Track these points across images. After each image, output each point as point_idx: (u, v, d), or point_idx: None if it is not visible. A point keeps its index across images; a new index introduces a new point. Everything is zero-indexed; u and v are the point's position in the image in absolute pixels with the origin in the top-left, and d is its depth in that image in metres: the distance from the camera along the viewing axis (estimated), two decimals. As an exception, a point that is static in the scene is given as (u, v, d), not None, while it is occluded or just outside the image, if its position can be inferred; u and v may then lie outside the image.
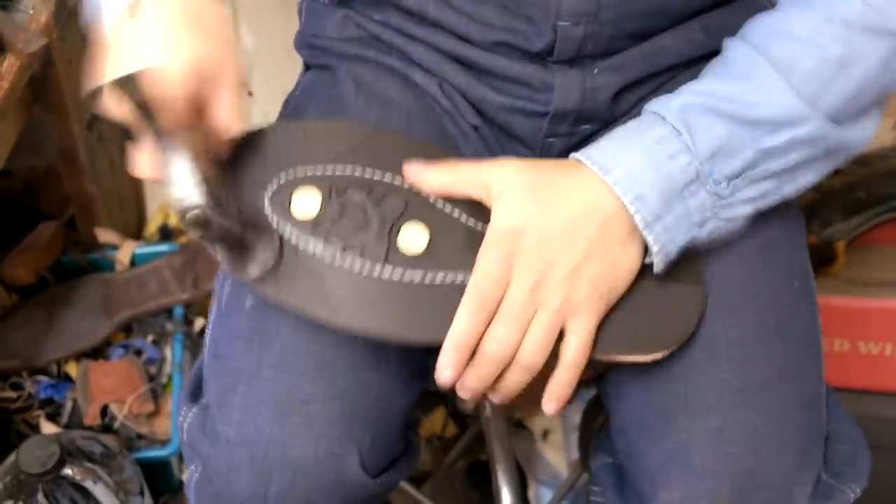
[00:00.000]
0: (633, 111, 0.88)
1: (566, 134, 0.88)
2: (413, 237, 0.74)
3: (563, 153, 0.90)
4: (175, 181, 0.68)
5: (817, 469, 0.78)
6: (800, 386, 0.79)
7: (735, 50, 0.77)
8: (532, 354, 0.71)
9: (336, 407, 0.76)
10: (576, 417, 1.37)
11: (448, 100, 0.88)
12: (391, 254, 0.73)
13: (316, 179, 0.76)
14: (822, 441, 0.79)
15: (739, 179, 0.74)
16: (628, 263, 0.74)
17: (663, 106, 0.75)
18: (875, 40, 0.73)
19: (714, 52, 0.87)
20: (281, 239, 0.74)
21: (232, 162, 0.76)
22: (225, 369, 0.80)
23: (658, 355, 0.76)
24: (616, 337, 0.75)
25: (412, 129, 0.86)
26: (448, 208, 0.76)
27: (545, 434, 1.44)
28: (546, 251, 0.71)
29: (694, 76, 0.88)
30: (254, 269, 0.73)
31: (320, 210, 0.74)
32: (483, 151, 0.89)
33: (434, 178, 0.75)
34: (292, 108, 0.94)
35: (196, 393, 0.85)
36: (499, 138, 0.90)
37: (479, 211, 0.75)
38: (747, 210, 0.76)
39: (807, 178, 0.77)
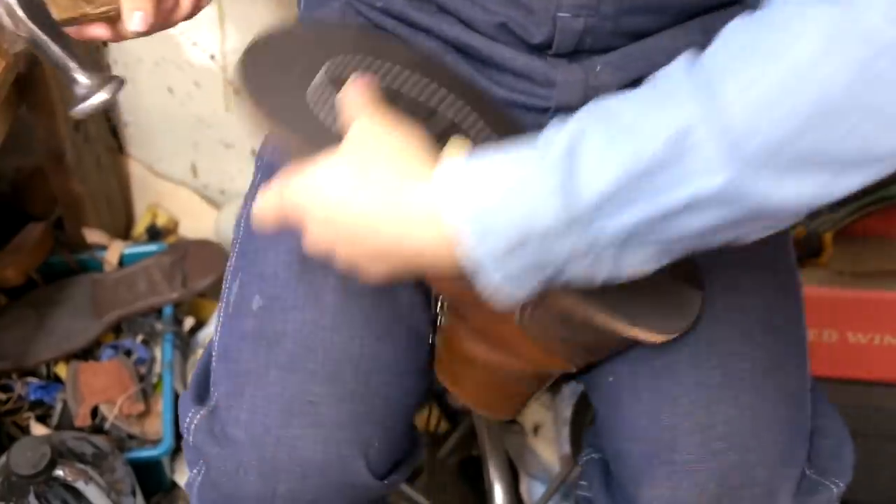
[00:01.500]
0: None
1: None
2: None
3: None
4: None
5: (801, 465, 0.78)
6: (784, 382, 0.79)
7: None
8: None
9: (344, 408, 0.77)
10: (566, 411, 1.37)
11: None
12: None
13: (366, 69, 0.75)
14: (807, 437, 0.80)
15: (624, 244, 0.59)
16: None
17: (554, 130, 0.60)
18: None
19: None
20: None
21: (260, 63, 0.74)
22: (233, 371, 0.80)
23: (664, 338, 0.75)
24: (628, 310, 0.72)
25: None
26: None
27: (536, 428, 1.44)
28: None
29: None
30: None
31: None
32: None
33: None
34: None
35: (202, 394, 0.85)
36: None
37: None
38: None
39: (721, 239, 0.61)
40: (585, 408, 1.33)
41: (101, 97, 0.73)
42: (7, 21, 0.73)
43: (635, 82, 0.86)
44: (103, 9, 0.78)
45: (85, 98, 0.74)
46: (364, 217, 0.62)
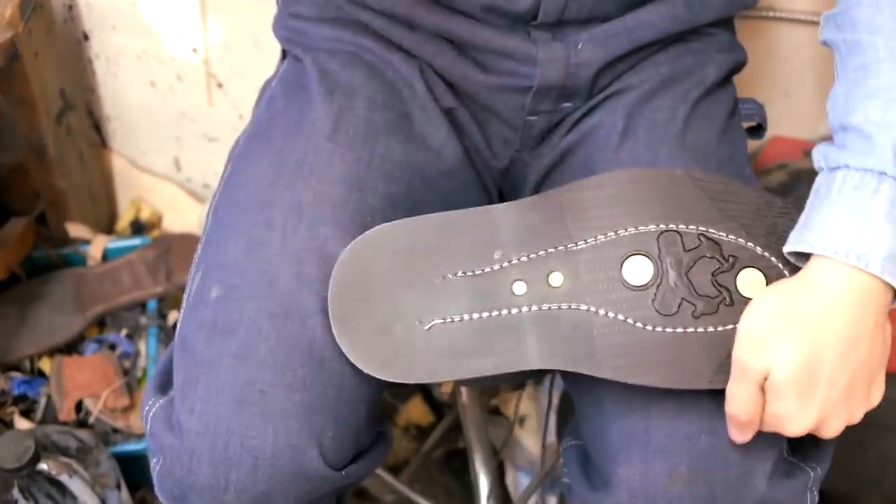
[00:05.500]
0: (609, 88, 0.89)
1: (548, 112, 0.89)
2: (752, 281, 0.75)
3: (544, 132, 0.91)
4: None
5: (777, 449, 0.78)
6: None
7: (870, 49, 0.74)
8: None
9: (295, 398, 0.76)
10: (553, 402, 1.38)
11: (424, 83, 0.88)
12: (736, 301, 0.75)
13: (633, 244, 0.76)
14: None
15: None
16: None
17: (866, 154, 0.71)
18: None
19: (692, 29, 0.88)
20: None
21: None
22: (189, 361, 0.80)
23: None
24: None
25: (376, 115, 0.86)
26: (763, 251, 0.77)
27: (521, 420, 1.45)
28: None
29: (671, 55, 0.88)
30: None
31: (653, 275, 0.75)
32: (455, 134, 0.90)
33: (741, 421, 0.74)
34: (267, 99, 0.94)
35: (165, 385, 0.85)
36: (477, 118, 0.91)
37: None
38: None
39: None
40: (571, 399, 1.33)
41: None
42: None
43: (616, 61, 0.87)
44: None
45: None
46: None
